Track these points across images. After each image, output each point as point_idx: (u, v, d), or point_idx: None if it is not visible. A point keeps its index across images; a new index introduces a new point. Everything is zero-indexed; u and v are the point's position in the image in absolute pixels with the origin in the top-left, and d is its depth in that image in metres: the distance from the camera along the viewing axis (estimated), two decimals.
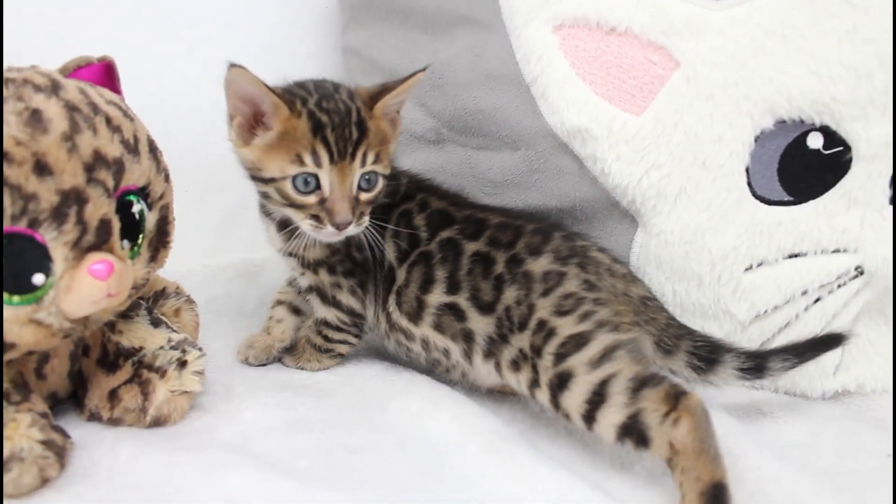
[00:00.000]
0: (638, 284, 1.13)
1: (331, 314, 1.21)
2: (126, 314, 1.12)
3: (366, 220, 1.11)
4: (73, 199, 0.91)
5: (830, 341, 1.13)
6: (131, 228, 1.01)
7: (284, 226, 1.17)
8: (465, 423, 1.06)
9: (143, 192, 1.03)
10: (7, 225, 0.88)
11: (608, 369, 0.98)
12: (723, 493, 0.90)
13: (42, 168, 0.89)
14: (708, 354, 1.09)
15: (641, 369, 0.98)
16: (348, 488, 0.94)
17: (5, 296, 0.89)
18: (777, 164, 1.20)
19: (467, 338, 1.12)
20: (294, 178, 1.07)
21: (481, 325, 1.10)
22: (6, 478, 0.87)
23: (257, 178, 1.11)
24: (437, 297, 1.13)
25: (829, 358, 1.19)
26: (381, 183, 1.12)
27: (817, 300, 1.20)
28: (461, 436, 1.03)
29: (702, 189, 1.18)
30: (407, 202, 1.20)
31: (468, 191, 1.25)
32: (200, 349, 1.12)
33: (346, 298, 1.20)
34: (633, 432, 0.95)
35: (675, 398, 0.95)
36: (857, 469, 1.06)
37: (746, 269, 1.19)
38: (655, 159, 1.18)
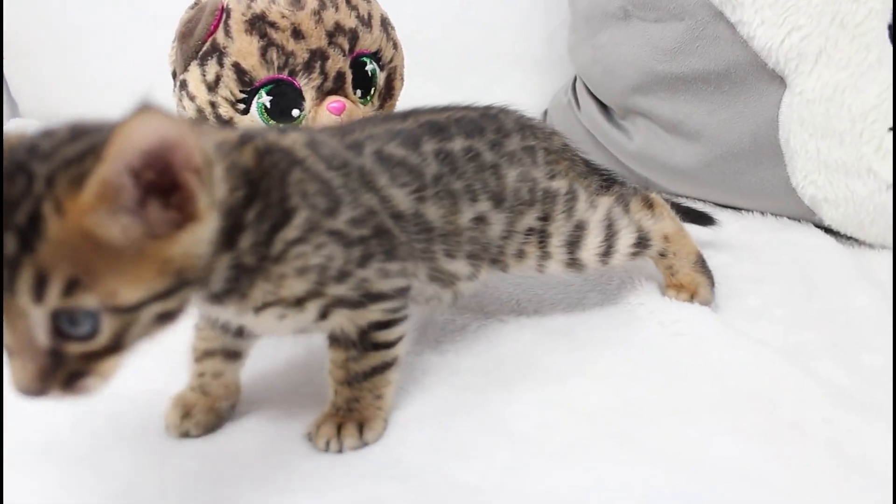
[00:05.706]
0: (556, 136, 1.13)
1: (374, 313, 0.85)
2: None
3: (94, 382, 0.62)
4: (318, 56, 1.28)
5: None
6: (365, 82, 1.36)
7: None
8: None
9: (375, 56, 1.37)
10: (275, 73, 1.28)
11: (601, 206, 1.06)
12: (705, 260, 1.12)
13: (298, 33, 1.27)
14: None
15: (610, 193, 1.12)
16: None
17: (272, 122, 1.30)
18: None
19: (485, 250, 0.98)
20: None
21: (498, 227, 0.97)
22: None
23: None
24: (466, 214, 0.95)
25: None
26: (112, 324, 0.61)
27: None
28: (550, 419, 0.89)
29: (840, 48, 1.23)
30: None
31: (646, 61, 1.40)
32: None
33: (387, 284, 0.85)
34: (642, 243, 1.07)
35: (646, 199, 1.11)
36: None
37: (890, 129, 1.21)
38: (795, 21, 1.25)
